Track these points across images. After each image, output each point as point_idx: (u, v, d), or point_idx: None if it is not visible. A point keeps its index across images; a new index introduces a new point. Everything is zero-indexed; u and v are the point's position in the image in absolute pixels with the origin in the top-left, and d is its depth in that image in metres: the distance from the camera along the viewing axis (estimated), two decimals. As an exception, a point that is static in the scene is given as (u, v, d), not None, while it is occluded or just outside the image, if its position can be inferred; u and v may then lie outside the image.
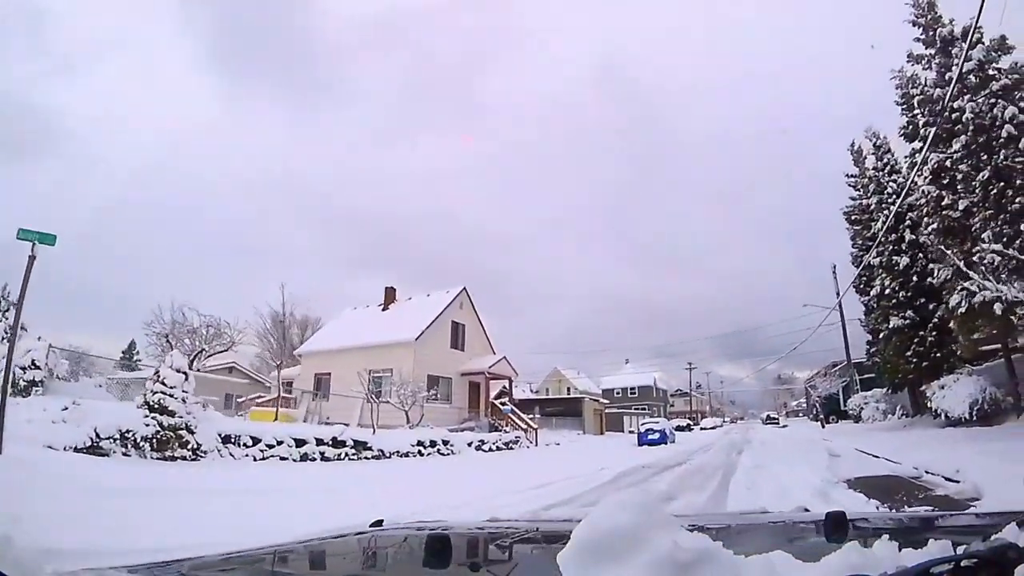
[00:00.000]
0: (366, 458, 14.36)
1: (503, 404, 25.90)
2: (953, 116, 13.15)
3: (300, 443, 13.16)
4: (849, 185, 24.98)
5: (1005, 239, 12.03)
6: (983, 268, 12.25)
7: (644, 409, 56.76)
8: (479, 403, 26.03)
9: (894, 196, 19.83)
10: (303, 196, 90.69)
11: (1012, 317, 11.59)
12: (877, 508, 5.41)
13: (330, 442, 13.90)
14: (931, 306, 19.24)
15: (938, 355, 18.78)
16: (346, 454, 14.09)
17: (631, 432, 31.66)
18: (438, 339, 25.47)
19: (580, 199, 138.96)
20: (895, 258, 20.15)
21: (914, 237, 19.69)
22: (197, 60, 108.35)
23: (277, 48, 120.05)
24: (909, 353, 19.44)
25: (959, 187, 13.74)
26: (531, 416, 27.99)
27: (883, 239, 19.13)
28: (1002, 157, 12.53)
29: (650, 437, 25.87)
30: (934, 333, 19.02)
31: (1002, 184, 12.45)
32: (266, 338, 32.66)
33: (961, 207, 13.53)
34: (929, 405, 16.50)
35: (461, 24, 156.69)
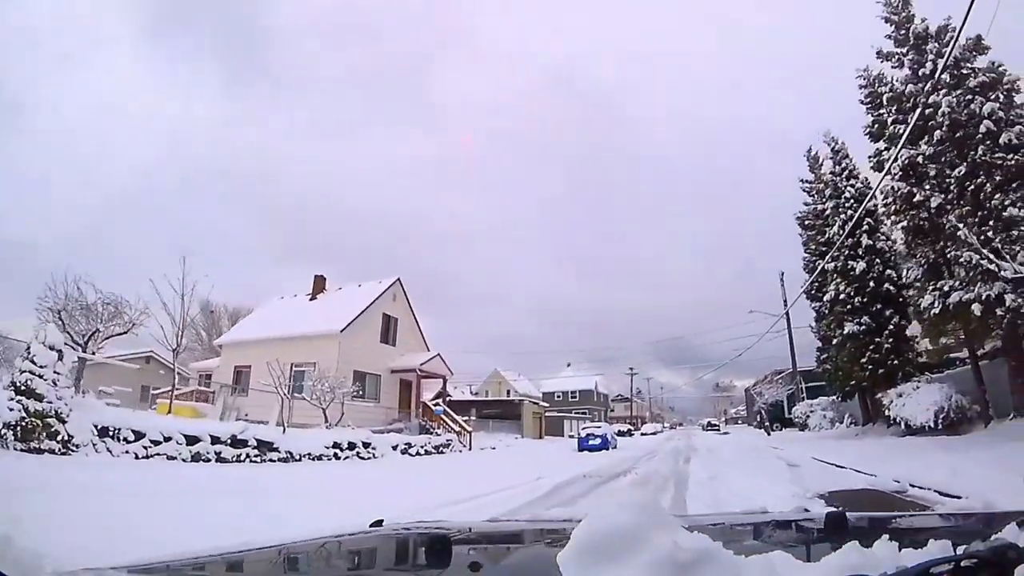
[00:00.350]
0: (271, 461, 13.43)
1: (435, 405, 25.18)
2: (927, 112, 13.13)
3: (192, 440, 12.07)
4: (803, 191, 25.63)
5: (983, 237, 11.82)
6: (958, 268, 12.13)
7: (585, 413, 57.95)
8: (410, 403, 25.53)
9: (852, 201, 20.39)
10: (241, 181, 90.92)
11: (990, 319, 11.46)
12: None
13: (228, 441, 12.81)
14: (887, 312, 19.53)
15: (894, 362, 18.97)
16: (247, 455, 13.02)
17: (571, 436, 31.75)
18: (367, 332, 24.77)
19: (525, 203, 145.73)
20: (851, 263, 20.22)
21: (871, 242, 20.11)
22: (135, 33, 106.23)
23: (221, 28, 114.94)
24: (864, 360, 19.45)
25: (931, 184, 13.71)
26: (467, 418, 27.47)
27: (840, 243, 19.42)
28: (980, 152, 12.45)
29: (591, 442, 25.11)
30: (891, 340, 19.26)
31: (979, 180, 12.38)
32: (191, 328, 29.53)
33: (934, 204, 13.39)
34: (887, 413, 16.52)
35: (413, 17, 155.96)
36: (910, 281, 14.43)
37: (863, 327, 19.57)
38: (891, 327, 19.31)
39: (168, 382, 25.75)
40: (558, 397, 68.79)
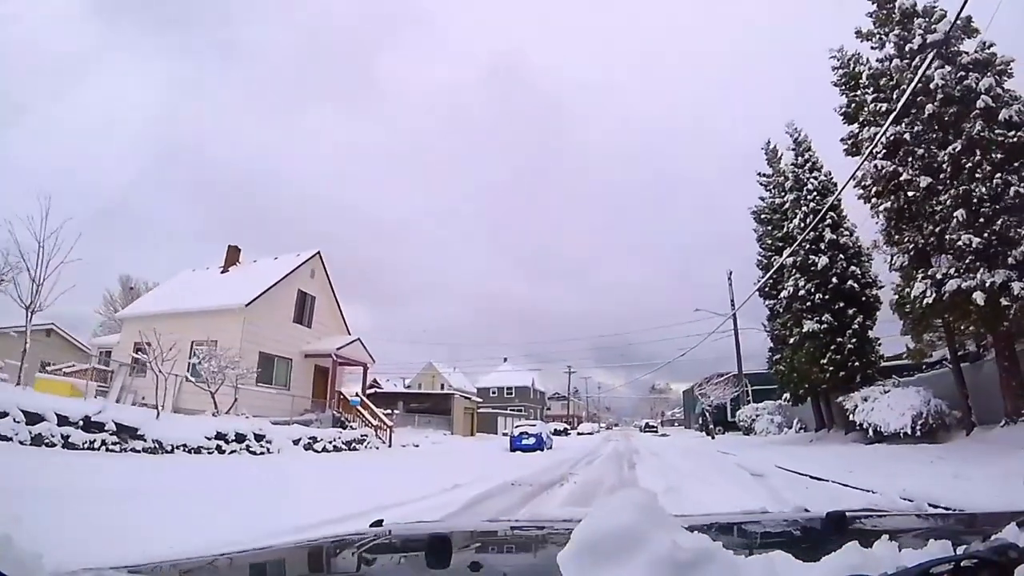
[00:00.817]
0: (134, 450, 12.25)
1: (354, 396, 23.83)
2: (917, 87, 12.51)
3: (34, 419, 10.84)
4: (760, 184, 25.62)
5: (982, 219, 11.40)
6: (952, 253, 11.63)
7: (521, 411, 58.06)
8: (326, 392, 23.75)
9: (814, 193, 20.28)
10: (173, 152, 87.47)
11: (994, 310, 10.76)
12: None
13: (81, 423, 11.55)
14: (850, 311, 19.31)
15: (856, 364, 18.72)
16: (103, 442, 11.80)
17: (505, 434, 31.31)
18: (278, 310, 22.88)
19: (467, 195, 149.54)
20: (812, 258, 19.90)
21: (835, 237, 19.93)
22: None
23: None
24: (824, 360, 19.05)
25: (919, 163, 13.18)
26: (392, 412, 26.99)
27: (801, 238, 19.05)
28: (978, 128, 11.95)
29: (524, 442, 24.10)
30: (854, 340, 19.01)
31: (977, 158, 11.89)
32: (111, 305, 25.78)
33: (923, 184, 12.83)
34: (851, 418, 16.30)
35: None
36: (896, 268, 13.60)
37: (824, 325, 19.22)
38: (855, 326, 19.14)
39: (73, 357, 24.64)
40: (493, 393, 68.06)
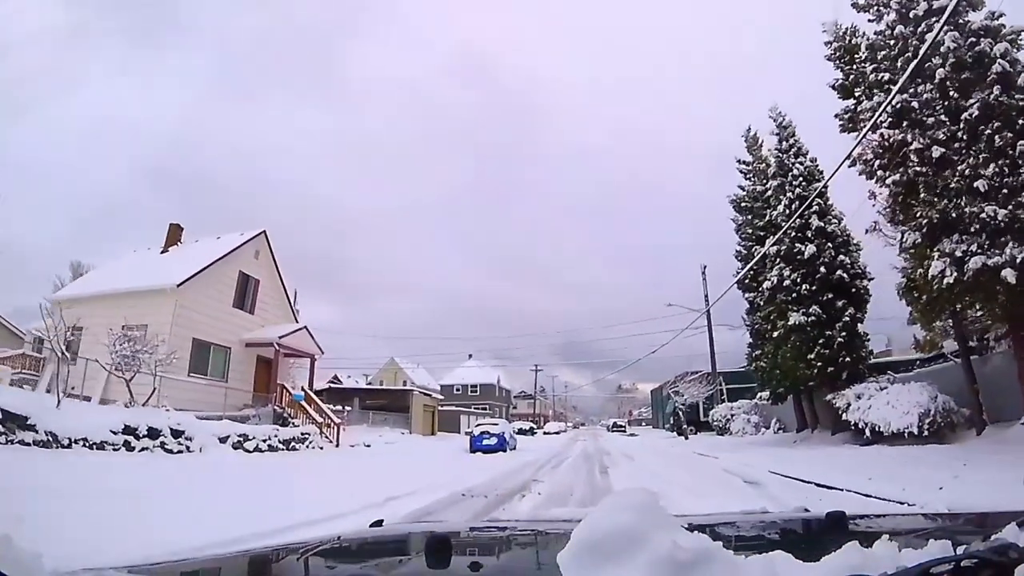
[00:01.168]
0: (22, 443, 10.95)
1: (297, 390, 22.27)
2: (926, 53, 11.61)
3: None
4: (740, 172, 25.13)
5: (1006, 190, 10.49)
6: (972, 228, 10.67)
7: (485, 409, 58.04)
8: (268, 386, 22.25)
9: (800, 179, 19.76)
10: (132, 140, 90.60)
11: None
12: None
13: None
14: (840, 302, 18.74)
15: (847, 359, 18.08)
16: None
17: (467, 433, 29.61)
18: (216, 292, 21.41)
19: (434, 192, 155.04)
20: (799, 246, 19.33)
21: (822, 224, 19.39)
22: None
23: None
24: (811, 356, 18.42)
25: (930, 132, 12.14)
26: (343, 408, 25.76)
27: (787, 225, 18.22)
28: (996, 93, 11.19)
29: (485, 442, 23.06)
30: (844, 334, 18.44)
31: (996, 125, 11.08)
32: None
33: (936, 154, 11.77)
34: (844, 417, 15.63)
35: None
36: (907, 248, 12.94)
37: (811, 318, 18.67)
38: (845, 319, 18.65)
39: (8, 344, 23.57)
40: (457, 391, 68.15)
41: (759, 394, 27.96)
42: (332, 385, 35.81)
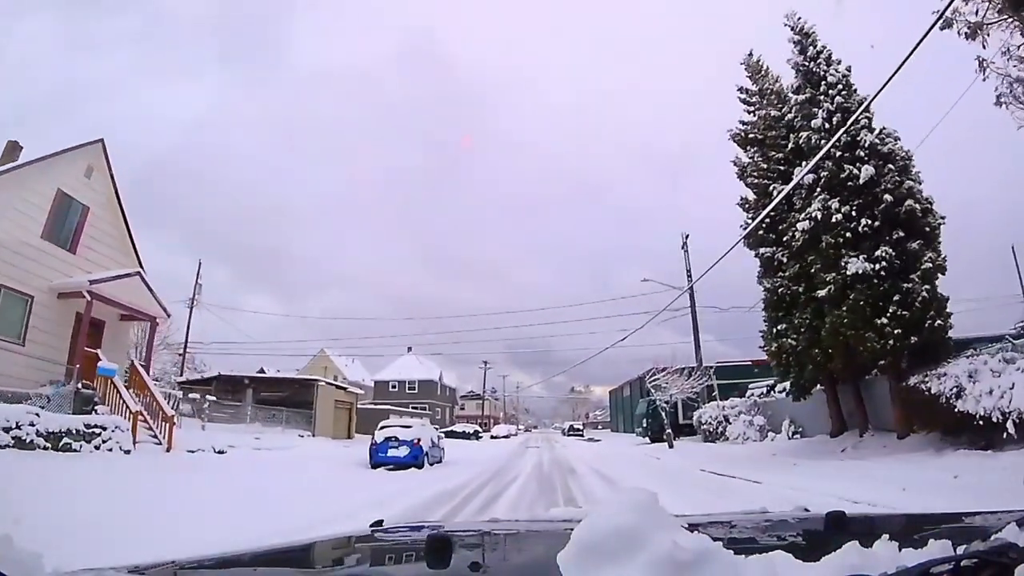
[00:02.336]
0: None
1: (108, 364, 20.50)
2: None
3: None
4: (742, 102, 26.60)
5: None
6: None
7: (425, 408, 64.85)
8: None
9: (838, 87, 20.15)
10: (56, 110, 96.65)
11: None
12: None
13: None
14: (913, 244, 18.61)
15: (935, 323, 17.69)
16: None
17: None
18: (16, 215, 19.70)
19: (374, 184, 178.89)
20: (849, 168, 19.51)
21: (876, 141, 19.27)
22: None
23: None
24: (884, 319, 17.80)
25: None
26: (207, 399, 26.84)
27: (830, 143, 17.65)
28: None
29: (392, 452, 21.60)
30: (926, 287, 18.14)
31: None
32: None
33: None
34: (956, 406, 14.70)
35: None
36: None
37: (881, 264, 18.20)
38: (924, 266, 18.16)
39: None
40: (393, 387, 76.98)
41: (774, 386, 27.91)
42: (221, 373, 36.68)
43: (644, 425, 43.62)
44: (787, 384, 23.48)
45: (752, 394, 31.44)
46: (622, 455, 28.55)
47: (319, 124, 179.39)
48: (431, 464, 22.07)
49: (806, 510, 2.62)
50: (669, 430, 35.21)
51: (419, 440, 21.81)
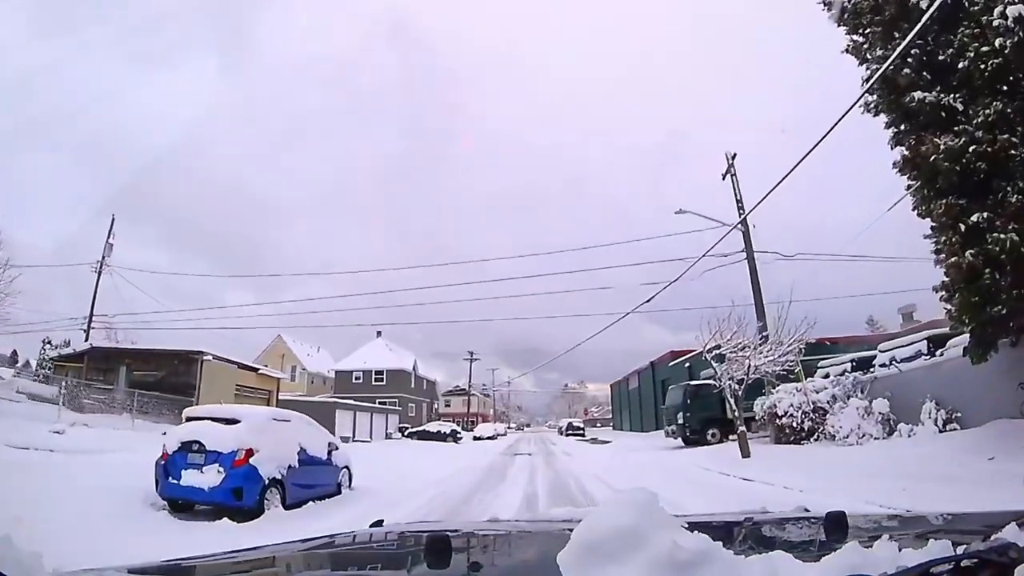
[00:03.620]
0: None
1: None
2: None
3: None
4: None
5: None
6: None
7: (395, 403, 58.15)
8: None
9: None
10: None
11: None
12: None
13: None
14: None
15: None
16: None
17: (346, 440, 27.66)
18: None
19: (355, 176, 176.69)
20: None
21: None
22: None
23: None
24: None
25: None
26: (103, 384, 25.20)
27: None
28: None
29: (189, 480, 10.92)
30: None
31: None
32: None
33: None
34: None
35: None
36: None
37: None
38: None
39: None
40: (357, 378, 66.36)
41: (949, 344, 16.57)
42: (94, 345, 32.56)
43: (681, 421, 30.14)
44: (976, 326, 12.69)
45: (829, 374, 23.27)
46: (670, 474, 18.22)
47: (296, 112, 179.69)
48: (289, 505, 11.57)
49: (806, 510, 2.66)
50: (742, 426, 21.73)
51: (249, 452, 10.92)
